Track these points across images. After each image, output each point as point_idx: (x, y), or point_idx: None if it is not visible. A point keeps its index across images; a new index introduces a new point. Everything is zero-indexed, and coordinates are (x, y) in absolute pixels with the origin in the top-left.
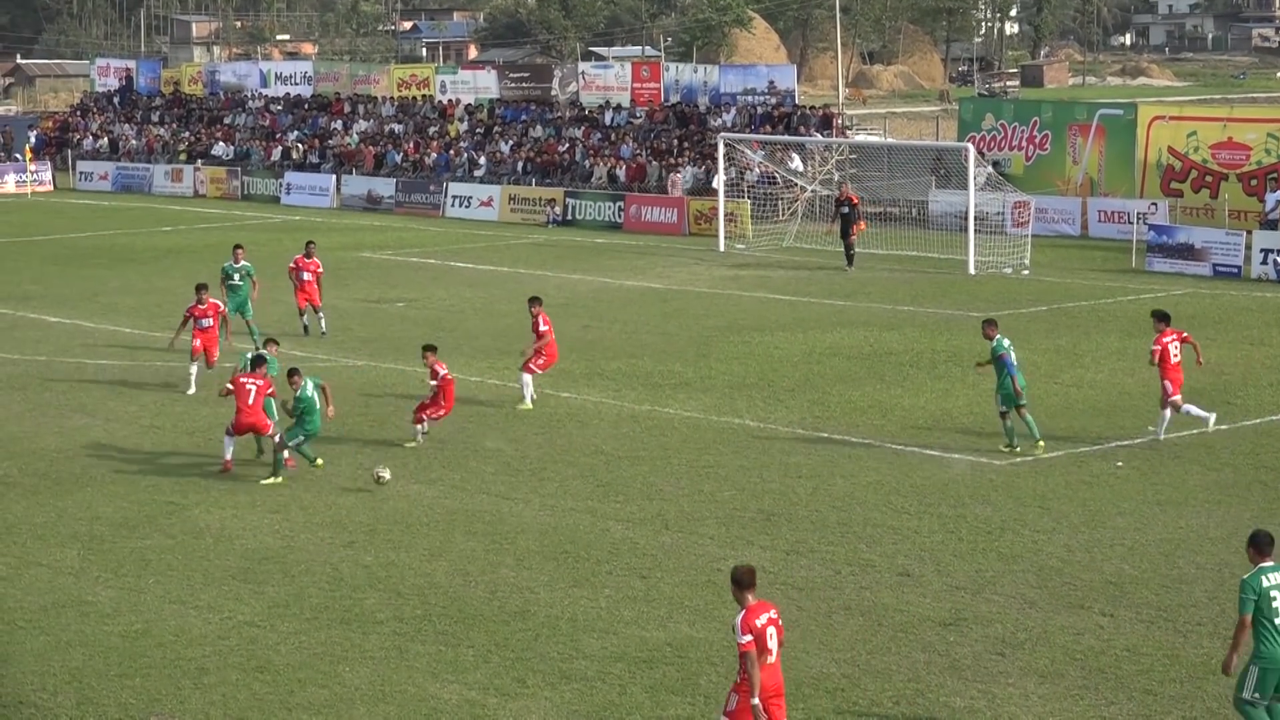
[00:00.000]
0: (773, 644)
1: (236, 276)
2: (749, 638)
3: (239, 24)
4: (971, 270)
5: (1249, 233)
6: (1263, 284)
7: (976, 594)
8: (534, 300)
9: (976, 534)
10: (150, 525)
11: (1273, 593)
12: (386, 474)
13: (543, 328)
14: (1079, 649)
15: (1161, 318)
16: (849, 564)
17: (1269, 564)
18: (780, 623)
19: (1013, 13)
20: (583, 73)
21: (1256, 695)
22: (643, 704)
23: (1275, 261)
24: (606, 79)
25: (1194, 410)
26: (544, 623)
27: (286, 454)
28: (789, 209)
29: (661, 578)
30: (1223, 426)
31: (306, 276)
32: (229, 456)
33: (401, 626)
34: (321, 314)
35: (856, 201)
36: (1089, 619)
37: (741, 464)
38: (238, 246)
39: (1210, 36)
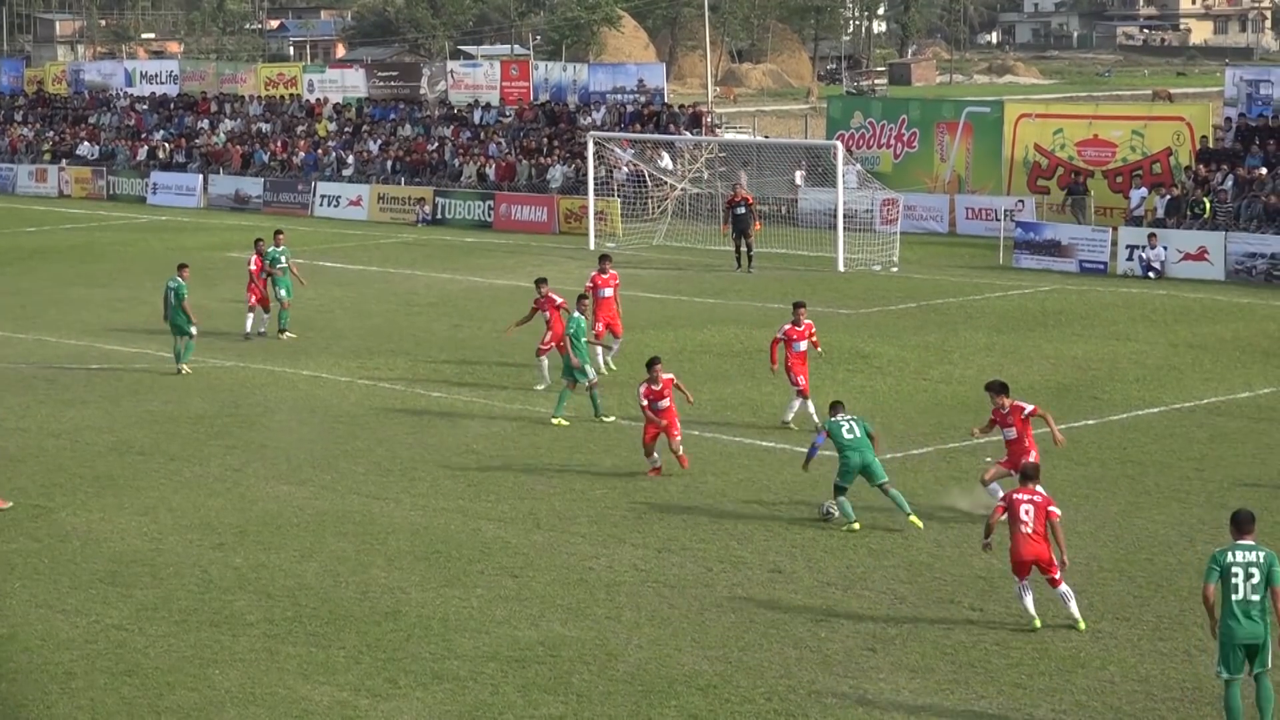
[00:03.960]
0: (1027, 518)
1: (284, 259)
2: (1001, 503)
3: (103, 22)
4: (841, 268)
5: (1114, 229)
6: (1128, 280)
7: (847, 590)
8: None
9: (847, 530)
10: (15, 529)
11: (1234, 569)
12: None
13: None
14: (949, 643)
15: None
16: (721, 561)
17: (1244, 542)
18: (1048, 510)
19: (880, 11)
20: (451, 71)
21: (1222, 670)
22: (515, 703)
23: (1140, 258)
24: (475, 78)
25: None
26: (416, 623)
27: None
28: (659, 207)
29: (533, 576)
30: (1090, 421)
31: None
32: None
33: (272, 628)
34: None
35: (752, 202)
36: (958, 614)
37: (613, 462)
38: (278, 231)
39: (1076, 35)
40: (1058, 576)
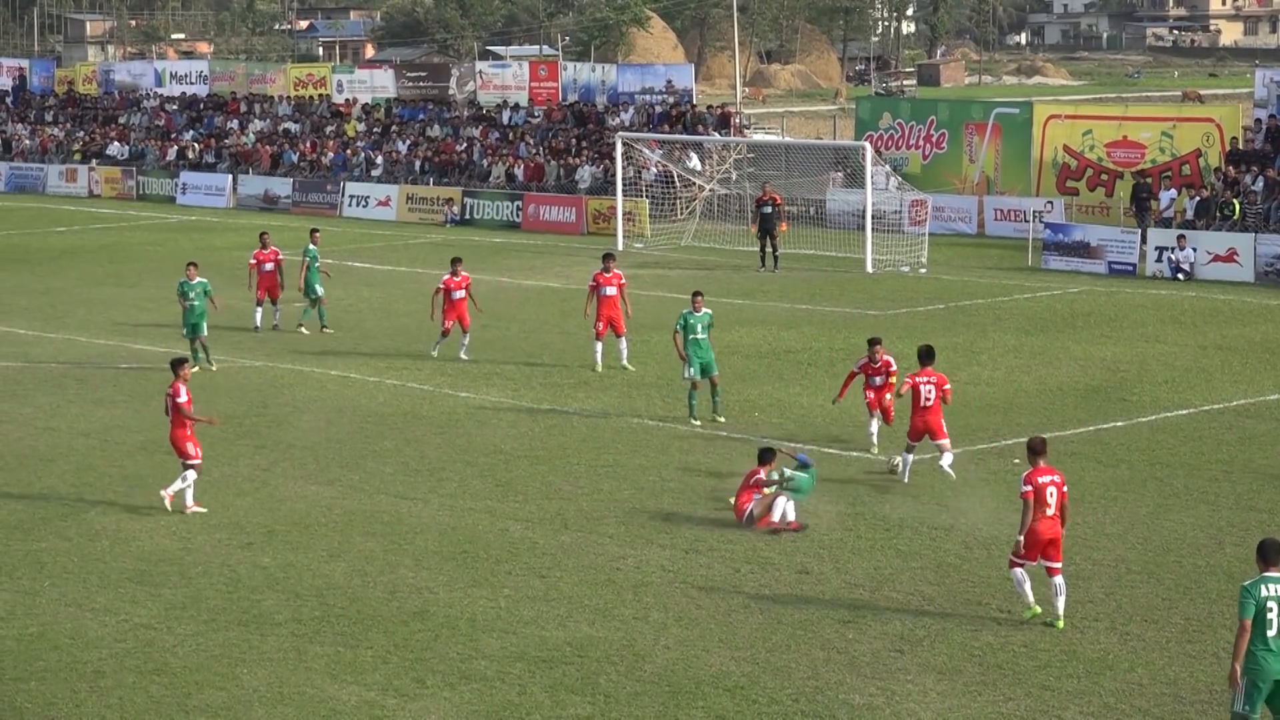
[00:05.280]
0: (1051, 500)
1: (192, 294)
2: (1029, 488)
3: (133, 23)
4: (869, 269)
5: (1144, 230)
6: (1157, 281)
7: (875, 591)
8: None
9: (875, 531)
10: (45, 528)
11: (1270, 603)
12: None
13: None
14: (977, 645)
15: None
16: (748, 562)
17: (1273, 574)
18: (1064, 488)
19: (909, 12)
20: (480, 72)
21: (1246, 708)
22: (542, 704)
23: (1169, 259)
24: (504, 78)
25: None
26: (443, 623)
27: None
28: (687, 208)
29: (561, 577)
30: (1118, 423)
31: (269, 267)
32: None
33: (300, 628)
34: (278, 307)
35: (780, 201)
36: (986, 615)
37: (640, 463)
38: (191, 264)
39: (1105, 35)
40: (1059, 565)
